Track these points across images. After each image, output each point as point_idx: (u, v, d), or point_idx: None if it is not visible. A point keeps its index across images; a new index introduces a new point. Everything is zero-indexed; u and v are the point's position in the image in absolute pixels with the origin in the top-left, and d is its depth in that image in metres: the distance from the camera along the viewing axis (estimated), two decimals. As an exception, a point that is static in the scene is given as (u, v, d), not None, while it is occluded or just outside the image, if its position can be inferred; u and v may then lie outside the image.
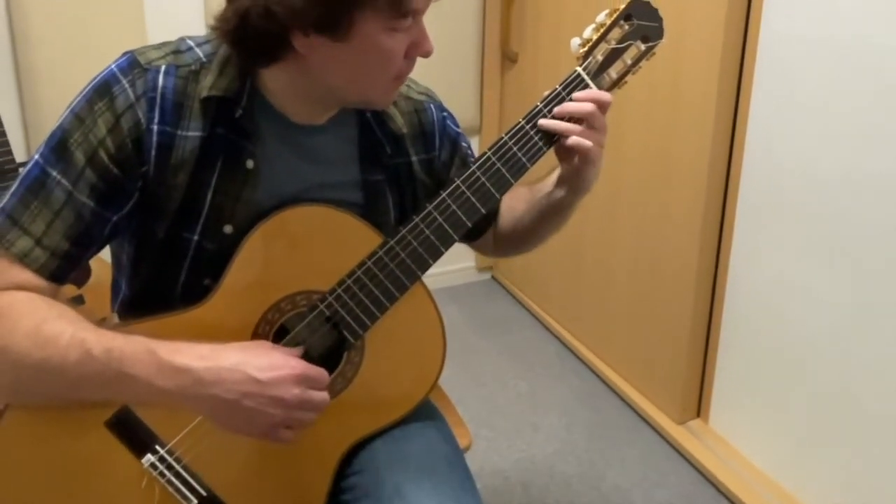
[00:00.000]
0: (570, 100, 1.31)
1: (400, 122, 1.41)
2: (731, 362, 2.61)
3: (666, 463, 2.70)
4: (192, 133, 1.21)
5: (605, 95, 1.31)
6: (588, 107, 1.28)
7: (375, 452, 1.34)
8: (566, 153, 1.33)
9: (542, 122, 1.29)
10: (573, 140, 1.28)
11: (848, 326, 2.13)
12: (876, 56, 1.94)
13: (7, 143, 2.56)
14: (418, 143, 1.44)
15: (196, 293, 1.24)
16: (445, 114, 1.51)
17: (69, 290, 1.29)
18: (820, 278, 2.19)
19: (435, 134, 1.47)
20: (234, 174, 1.25)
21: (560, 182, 1.40)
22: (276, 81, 1.25)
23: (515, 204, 1.53)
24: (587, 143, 1.29)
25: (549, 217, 1.47)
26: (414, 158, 1.44)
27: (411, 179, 1.44)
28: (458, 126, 1.53)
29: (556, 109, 1.30)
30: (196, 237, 1.25)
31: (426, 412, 1.43)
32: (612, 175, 2.93)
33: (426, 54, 1.23)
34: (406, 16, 1.14)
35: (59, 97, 2.80)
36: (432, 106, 1.48)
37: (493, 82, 3.79)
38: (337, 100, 1.30)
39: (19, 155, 2.73)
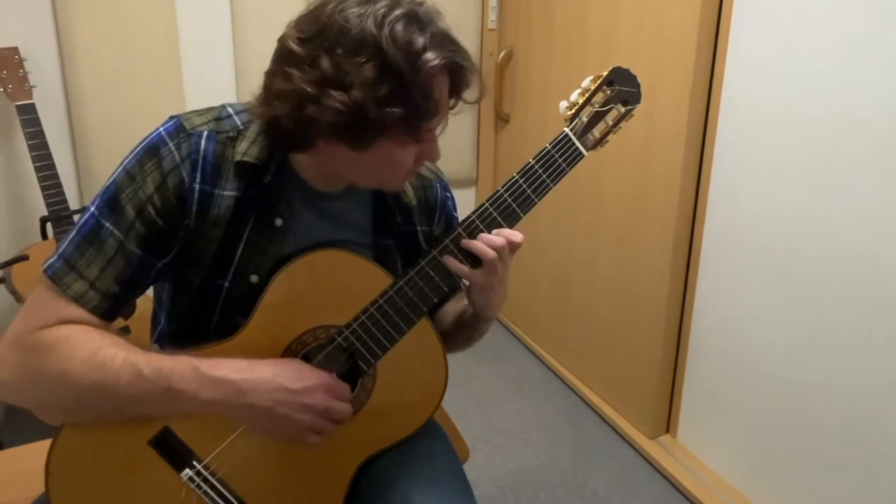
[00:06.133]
0: (566, 163, 1.30)
1: (410, 195, 1.40)
2: (697, 384, 2.60)
3: (640, 474, 2.69)
4: (227, 192, 1.21)
5: (517, 236, 1.25)
6: (500, 241, 1.24)
7: (386, 465, 1.33)
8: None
9: (465, 242, 1.24)
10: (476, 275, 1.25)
11: (799, 351, 2.13)
12: (823, 115, 1.96)
13: (62, 193, 2.57)
14: (423, 215, 1.44)
15: (228, 328, 1.23)
16: (448, 194, 1.50)
17: (118, 321, 1.30)
18: (775, 309, 2.20)
19: (436, 210, 1.46)
20: (264, 231, 1.25)
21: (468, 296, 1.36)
22: (301, 159, 1.25)
23: (449, 306, 1.50)
24: (481, 278, 1.26)
25: (460, 328, 1.45)
26: (419, 228, 1.43)
27: (416, 246, 1.43)
28: (455, 210, 1.52)
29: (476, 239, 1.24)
30: (227, 284, 1.25)
31: (430, 429, 1.43)
32: (592, 221, 2.94)
33: (433, 161, 1.25)
34: (420, 140, 1.16)
35: (107, 152, 2.88)
36: (438, 185, 1.47)
37: (489, 140, 3.81)
38: (351, 183, 1.30)
39: (73, 203, 2.74)
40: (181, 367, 1.13)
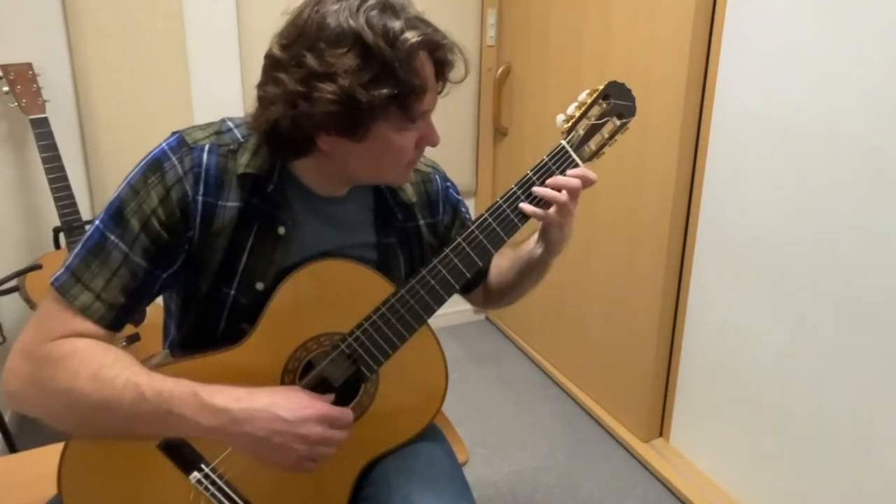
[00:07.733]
0: (561, 174, 1.30)
1: (410, 192, 1.41)
2: (690, 389, 2.60)
3: (633, 475, 2.69)
4: (230, 203, 1.21)
5: (591, 174, 1.31)
6: (576, 182, 1.29)
7: (387, 467, 1.33)
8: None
9: (536, 189, 1.28)
10: (550, 215, 1.30)
11: (786, 359, 2.13)
12: (810, 132, 1.96)
13: (75, 204, 2.57)
14: (425, 209, 1.44)
15: (234, 335, 1.24)
16: (448, 183, 1.51)
17: (128, 328, 1.29)
18: (762, 319, 2.20)
19: (439, 201, 1.47)
20: (268, 239, 1.25)
21: (539, 242, 1.40)
22: (302, 166, 1.25)
23: (501, 262, 1.53)
24: (558, 218, 1.30)
25: (528, 272, 1.47)
26: (421, 223, 1.44)
27: (419, 241, 1.43)
28: (458, 194, 1.53)
29: (547, 182, 1.29)
30: (233, 292, 1.25)
31: (430, 432, 1.42)
32: (587, 231, 2.94)
33: (433, 145, 1.25)
34: (415, 120, 1.16)
35: (118, 165, 2.88)
36: (437, 177, 1.48)
37: (487, 153, 3.80)
38: (356, 181, 1.30)
39: (85, 214, 2.74)
40: (181, 391, 1.12)
